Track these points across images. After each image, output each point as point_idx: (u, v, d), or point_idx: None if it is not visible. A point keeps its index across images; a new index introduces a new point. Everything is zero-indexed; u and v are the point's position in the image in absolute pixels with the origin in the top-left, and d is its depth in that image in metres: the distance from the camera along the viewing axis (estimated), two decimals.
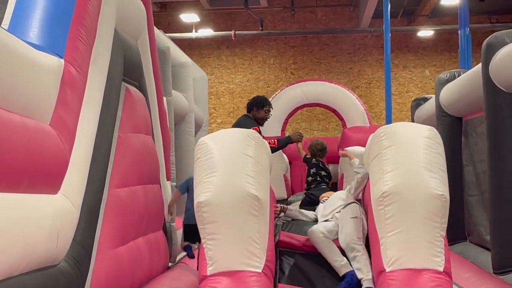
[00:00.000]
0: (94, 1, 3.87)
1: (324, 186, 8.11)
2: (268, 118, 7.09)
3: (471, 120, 7.10)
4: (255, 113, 6.88)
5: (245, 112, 7.13)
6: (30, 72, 3.06)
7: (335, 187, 10.60)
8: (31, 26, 3.52)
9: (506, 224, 5.43)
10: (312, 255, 4.84)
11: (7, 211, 2.73)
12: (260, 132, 6.67)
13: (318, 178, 8.18)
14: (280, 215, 5.51)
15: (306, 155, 8.77)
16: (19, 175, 2.85)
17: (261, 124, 6.96)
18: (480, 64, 5.92)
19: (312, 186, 8.18)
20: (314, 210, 5.73)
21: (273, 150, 6.52)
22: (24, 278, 2.86)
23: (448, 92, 7.54)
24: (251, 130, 4.55)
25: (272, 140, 6.73)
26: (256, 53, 20.67)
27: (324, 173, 8.33)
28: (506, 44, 5.49)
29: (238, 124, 6.79)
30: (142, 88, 5.17)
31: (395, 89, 19.48)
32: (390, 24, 13.93)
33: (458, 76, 7.55)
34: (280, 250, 4.94)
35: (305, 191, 8.41)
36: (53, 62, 3.36)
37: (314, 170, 8.34)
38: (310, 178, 8.35)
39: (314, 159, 8.50)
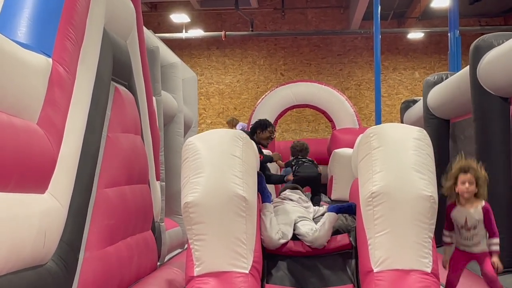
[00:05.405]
0: (83, 0, 3.86)
1: (308, 163, 8.07)
2: (273, 138, 7.11)
3: (458, 122, 7.12)
4: (260, 134, 6.90)
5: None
6: (17, 71, 3.04)
7: (324, 189, 10.62)
8: (19, 25, 3.50)
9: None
10: (298, 258, 4.83)
11: None
12: (262, 158, 6.67)
13: (300, 162, 8.14)
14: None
15: (286, 162, 8.79)
16: (6, 174, 2.83)
17: (266, 145, 7.00)
18: (467, 67, 5.93)
19: (296, 168, 8.17)
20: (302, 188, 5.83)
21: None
22: (11, 278, 2.85)
23: (435, 94, 7.56)
24: (238, 130, 4.56)
25: (259, 155, 6.77)
26: (246, 54, 20.69)
27: (305, 159, 8.32)
28: (494, 47, 5.51)
29: None
30: (131, 88, 5.15)
31: (384, 91, 19.55)
32: (380, 26, 13.98)
33: (446, 78, 7.57)
34: (266, 254, 4.92)
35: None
36: (41, 61, 3.35)
37: (295, 161, 8.33)
38: (295, 168, 8.38)
39: (294, 159, 8.50)
